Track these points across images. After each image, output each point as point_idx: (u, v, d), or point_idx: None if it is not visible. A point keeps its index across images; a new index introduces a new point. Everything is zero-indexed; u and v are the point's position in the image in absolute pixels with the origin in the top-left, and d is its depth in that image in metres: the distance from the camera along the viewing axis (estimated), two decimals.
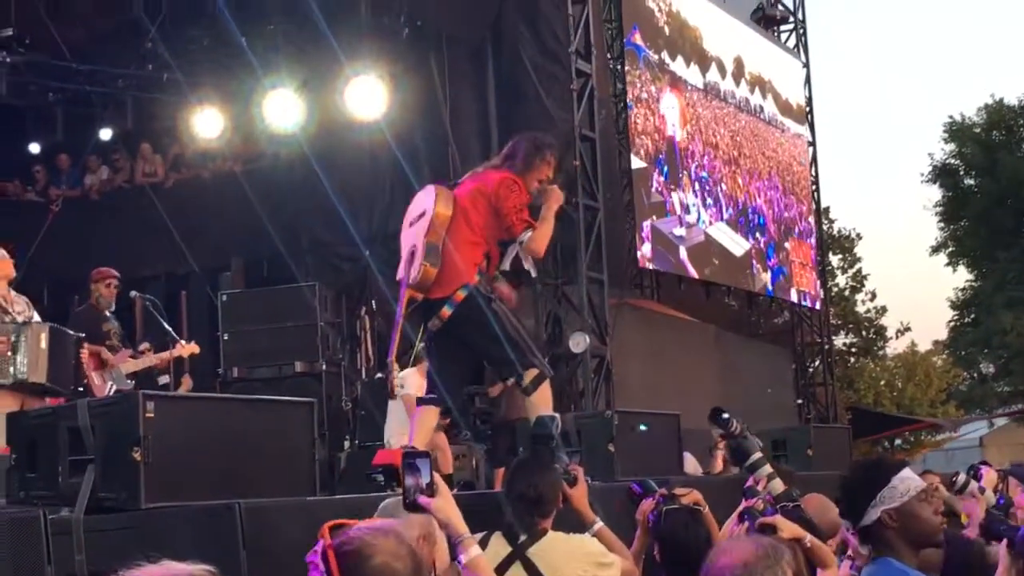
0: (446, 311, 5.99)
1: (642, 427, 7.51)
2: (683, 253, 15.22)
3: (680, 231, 15.16)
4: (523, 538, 4.55)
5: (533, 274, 6.55)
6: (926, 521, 3.54)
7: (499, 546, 4.52)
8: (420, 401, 6.27)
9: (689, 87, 15.89)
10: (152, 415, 4.39)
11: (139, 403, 4.40)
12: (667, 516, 4.54)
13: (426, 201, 6.17)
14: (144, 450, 4.34)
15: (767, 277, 17.43)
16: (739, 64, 17.29)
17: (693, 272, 15.49)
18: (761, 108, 17.97)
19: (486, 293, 6.04)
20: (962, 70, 79.15)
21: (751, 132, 17.59)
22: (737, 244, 16.57)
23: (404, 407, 9.92)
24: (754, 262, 17.12)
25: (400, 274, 6.17)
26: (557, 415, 6.18)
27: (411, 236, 6.15)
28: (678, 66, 15.64)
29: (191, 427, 4.66)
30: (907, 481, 3.54)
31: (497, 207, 6.09)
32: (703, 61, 16.30)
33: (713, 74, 16.53)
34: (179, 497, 4.43)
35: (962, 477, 5.59)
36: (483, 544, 4.45)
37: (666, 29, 15.53)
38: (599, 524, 4.89)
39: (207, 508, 4.32)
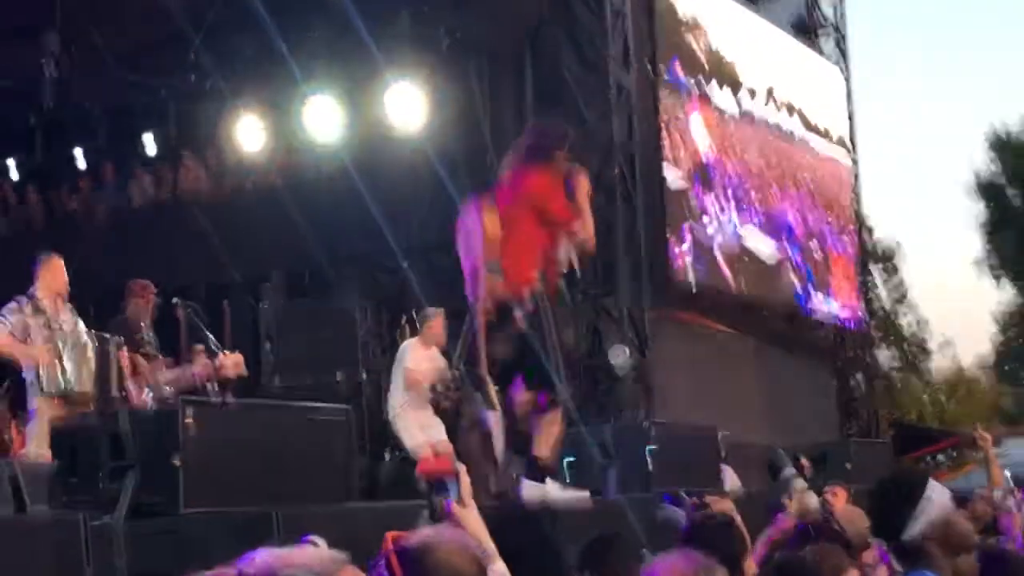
0: (519, 317, 6.18)
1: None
2: (717, 252, 15.41)
3: (713, 231, 15.36)
4: None
5: (576, 265, 6.77)
6: (963, 528, 3.54)
7: None
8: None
9: (721, 111, 16.11)
10: (191, 421, 4.44)
11: (179, 410, 4.45)
12: (702, 524, 4.51)
13: (472, 219, 6.38)
14: (183, 456, 4.38)
15: (793, 277, 17.43)
16: (770, 92, 17.42)
17: (726, 270, 15.59)
18: (791, 132, 18.05)
19: (542, 302, 6.24)
20: (1007, 83, 78.42)
21: (780, 150, 17.69)
22: (764, 245, 16.76)
23: (401, 380, 9.93)
24: (780, 260, 17.20)
25: (468, 293, 6.38)
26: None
27: (466, 255, 6.38)
28: (712, 90, 15.92)
29: (230, 434, 4.70)
30: (938, 490, 3.54)
31: (545, 214, 6.32)
32: (736, 88, 16.53)
33: (746, 100, 16.76)
34: (218, 503, 4.47)
35: (999, 493, 5.59)
36: None
37: (704, 62, 15.80)
38: None
39: (245, 515, 4.35)
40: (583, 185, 6.55)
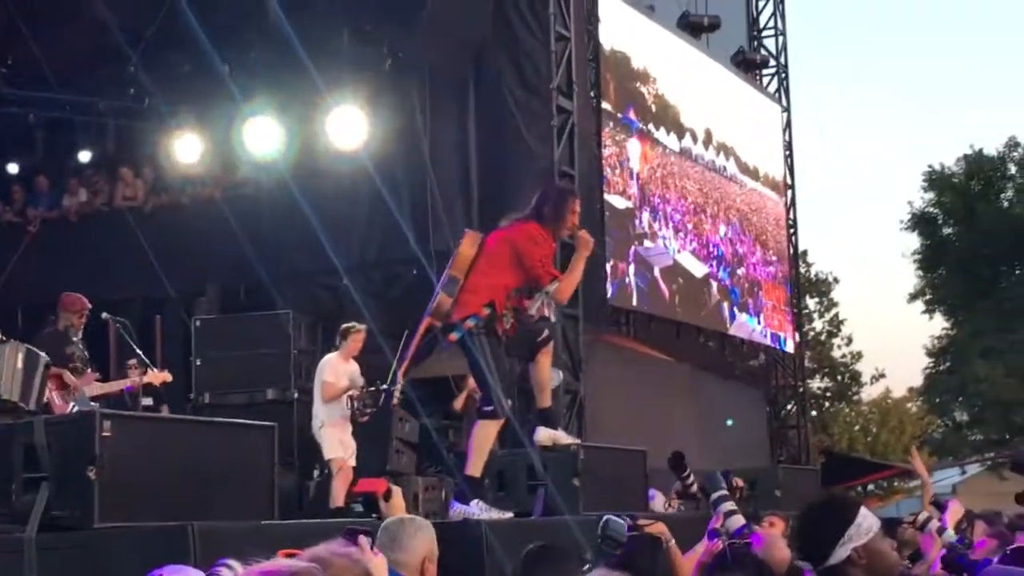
0: (453, 336, 6.63)
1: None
2: (656, 271, 15.90)
3: (653, 252, 15.91)
4: None
5: (553, 319, 7.23)
6: (889, 556, 3.54)
7: None
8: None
9: (667, 150, 16.71)
10: (109, 434, 4.37)
11: (96, 422, 4.38)
12: (629, 543, 4.51)
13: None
14: (99, 469, 4.31)
15: (719, 296, 17.87)
16: (709, 134, 18.06)
17: (665, 291, 15.95)
18: (725, 169, 18.68)
19: (482, 330, 6.58)
20: (942, 120, 79.90)
21: (716, 187, 18.30)
22: (698, 268, 17.35)
23: (320, 394, 9.95)
24: (711, 281, 17.68)
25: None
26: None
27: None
28: (660, 135, 16.57)
29: (148, 447, 4.63)
30: (869, 518, 3.54)
31: (522, 259, 6.69)
32: (680, 131, 17.16)
33: (687, 141, 17.45)
34: (134, 517, 4.41)
35: (923, 515, 5.67)
36: None
37: (653, 108, 16.43)
38: None
39: (160, 529, 4.29)
40: (583, 248, 6.96)
